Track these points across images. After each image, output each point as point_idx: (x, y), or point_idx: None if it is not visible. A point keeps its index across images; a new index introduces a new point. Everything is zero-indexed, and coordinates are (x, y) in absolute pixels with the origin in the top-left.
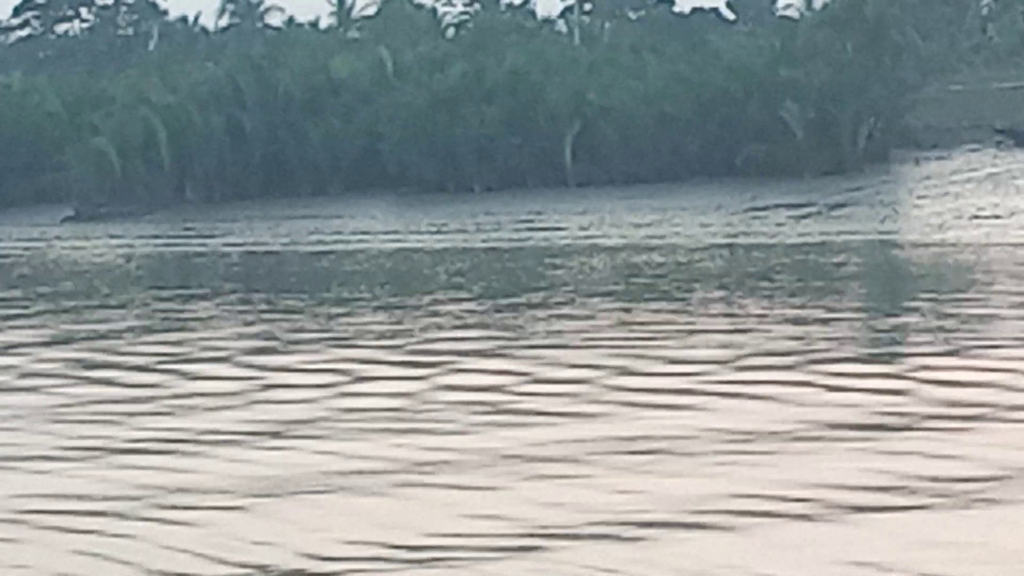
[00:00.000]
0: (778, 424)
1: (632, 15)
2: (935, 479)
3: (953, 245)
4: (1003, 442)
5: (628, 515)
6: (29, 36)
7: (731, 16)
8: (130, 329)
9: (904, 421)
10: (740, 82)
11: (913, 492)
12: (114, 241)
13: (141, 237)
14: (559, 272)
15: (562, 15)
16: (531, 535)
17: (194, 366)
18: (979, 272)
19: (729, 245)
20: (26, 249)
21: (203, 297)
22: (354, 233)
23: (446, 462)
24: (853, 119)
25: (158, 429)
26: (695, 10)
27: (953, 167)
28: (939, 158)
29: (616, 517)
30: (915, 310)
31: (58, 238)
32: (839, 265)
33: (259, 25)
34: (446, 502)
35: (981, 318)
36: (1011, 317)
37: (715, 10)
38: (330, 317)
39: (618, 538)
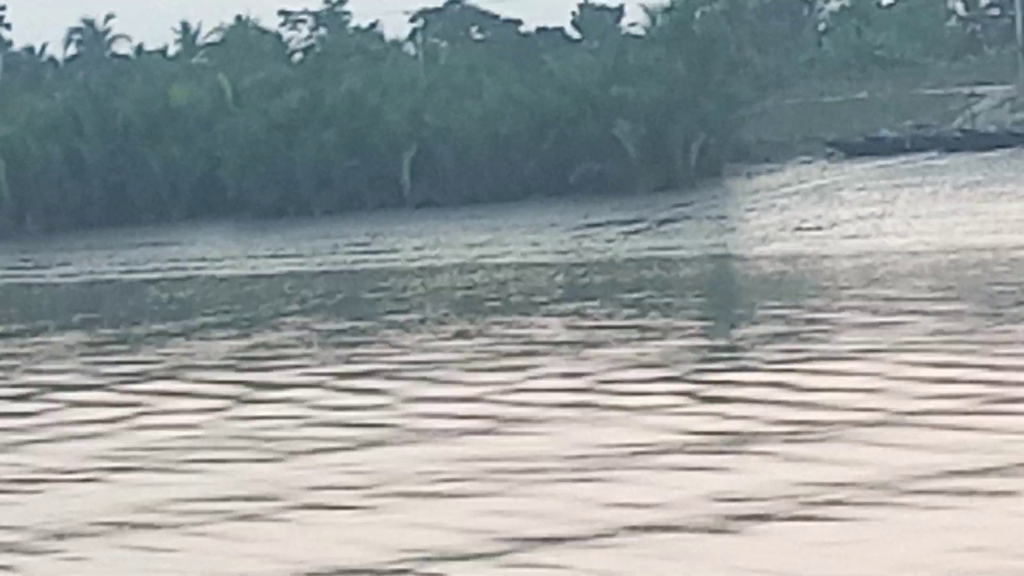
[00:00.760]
0: (648, 437)
1: (479, 35)
2: (803, 484)
3: (773, 257)
4: (861, 449)
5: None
6: None
7: (576, 35)
8: None
9: (760, 430)
10: (573, 101)
11: (788, 500)
12: None
13: None
14: (390, 293)
15: (410, 37)
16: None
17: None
18: (793, 283)
19: (557, 263)
20: None
21: (37, 331)
22: (191, 260)
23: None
24: (684, 135)
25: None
26: (540, 30)
27: (783, 180)
28: (770, 171)
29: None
30: (725, 321)
31: None
32: (663, 279)
33: (107, 54)
34: (329, 523)
35: (804, 324)
36: (835, 326)
37: (559, 29)
38: (164, 345)
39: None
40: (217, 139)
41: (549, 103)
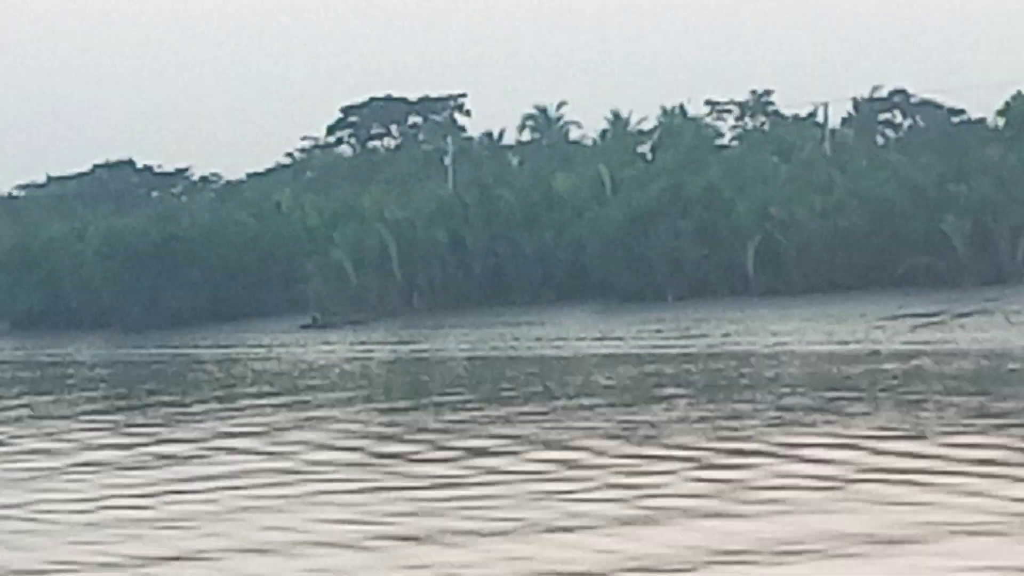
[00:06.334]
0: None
1: (923, 123)
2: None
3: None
4: None
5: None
6: (345, 155)
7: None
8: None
9: None
10: (909, 196)
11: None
12: (326, 347)
13: (352, 344)
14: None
15: (847, 123)
16: None
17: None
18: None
19: (841, 353)
20: (252, 355)
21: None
22: (550, 339)
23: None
24: (1011, 230)
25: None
26: (965, 121)
27: None
28: None
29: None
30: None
31: (282, 345)
32: (887, 373)
33: (561, 138)
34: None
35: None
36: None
37: (982, 121)
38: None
39: None
40: (585, 226)
41: (887, 198)
